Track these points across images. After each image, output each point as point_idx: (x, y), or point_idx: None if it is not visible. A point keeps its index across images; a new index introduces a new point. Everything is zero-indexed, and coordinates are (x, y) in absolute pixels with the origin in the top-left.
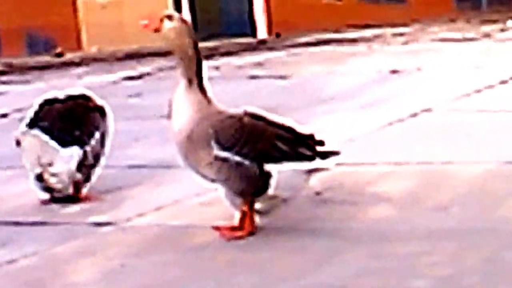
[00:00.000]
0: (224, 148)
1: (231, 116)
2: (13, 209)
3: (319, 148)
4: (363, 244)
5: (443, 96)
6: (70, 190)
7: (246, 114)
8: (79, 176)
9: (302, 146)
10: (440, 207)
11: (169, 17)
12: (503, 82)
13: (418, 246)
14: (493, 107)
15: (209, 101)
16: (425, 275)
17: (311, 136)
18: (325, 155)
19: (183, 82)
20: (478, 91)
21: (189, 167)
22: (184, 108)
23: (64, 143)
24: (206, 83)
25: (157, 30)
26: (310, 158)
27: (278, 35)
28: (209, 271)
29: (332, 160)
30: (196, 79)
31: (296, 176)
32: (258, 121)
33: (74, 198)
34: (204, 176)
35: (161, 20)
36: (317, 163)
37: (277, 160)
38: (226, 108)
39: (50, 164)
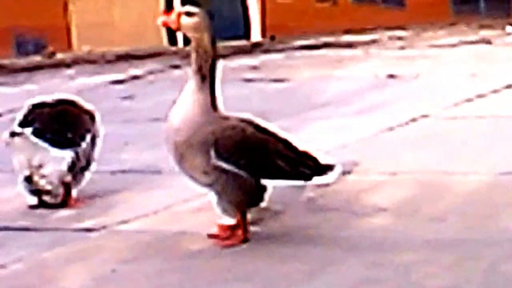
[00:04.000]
0: (222, 158)
1: (234, 126)
2: (2, 214)
3: (317, 166)
4: (359, 253)
5: (441, 103)
6: (60, 191)
7: (250, 124)
8: (69, 178)
9: (302, 165)
10: (437, 217)
11: (188, 13)
12: (503, 88)
13: (414, 257)
14: (491, 115)
15: (215, 105)
16: (422, 286)
17: (310, 155)
18: (321, 171)
19: (194, 79)
20: (477, 97)
21: (182, 170)
22: (189, 107)
23: (57, 145)
24: (218, 82)
25: (175, 27)
26: (308, 178)
27: (272, 38)
28: (202, 278)
29: (329, 177)
30: (209, 77)
31: (290, 190)
32: (260, 134)
33: (64, 203)
34: (196, 181)
35: (179, 16)
36: (314, 181)
37: (274, 176)
38: (230, 115)
39: (40, 166)
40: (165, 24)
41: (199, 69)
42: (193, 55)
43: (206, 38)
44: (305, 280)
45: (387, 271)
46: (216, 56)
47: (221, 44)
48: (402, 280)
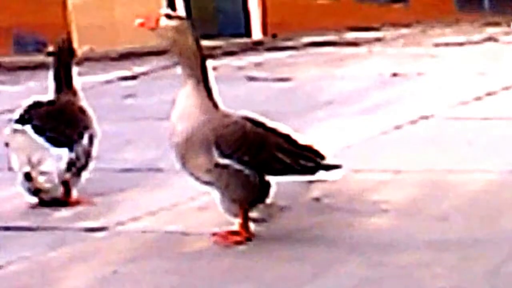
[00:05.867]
0: (224, 155)
1: (234, 122)
2: (2, 214)
3: (320, 161)
4: (362, 253)
5: (445, 102)
6: (59, 191)
7: (249, 120)
8: (68, 176)
9: (304, 159)
10: (441, 217)
11: (168, 16)
12: (507, 87)
13: (418, 257)
14: (497, 114)
15: (214, 104)
16: (425, 287)
17: (311, 148)
18: (326, 168)
19: (190, 82)
20: (481, 97)
21: (185, 170)
22: (188, 108)
23: (56, 143)
24: (212, 82)
25: (153, 29)
26: (311, 171)
27: (274, 36)
28: (205, 278)
29: (333, 173)
30: (202, 78)
31: (295, 186)
32: (261, 129)
33: (65, 202)
34: (200, 180)
35: (158, 18)
36: (318, 176)
37: (277, 171)
38: (230, 112)
39: (39, 163)
40: (142, 26)
41: (191, 72)
42: (181, 59)
43: (190, 40)
44: (308, 280)
45: (390, 271)
46: (204, 57)
47: (222, 42)
48: (406, 280)
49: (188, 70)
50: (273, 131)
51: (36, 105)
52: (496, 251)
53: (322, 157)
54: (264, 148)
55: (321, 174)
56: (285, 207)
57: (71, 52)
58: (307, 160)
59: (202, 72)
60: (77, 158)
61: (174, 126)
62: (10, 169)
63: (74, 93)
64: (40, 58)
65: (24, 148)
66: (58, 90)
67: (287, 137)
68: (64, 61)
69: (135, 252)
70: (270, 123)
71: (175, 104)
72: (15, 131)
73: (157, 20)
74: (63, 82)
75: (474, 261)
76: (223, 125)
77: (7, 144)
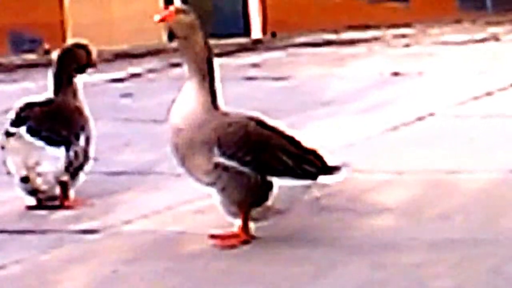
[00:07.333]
0: (226, 155)
1: (236, 122)
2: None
3: (322, 165)
4: (364, 254)
5: (446, 101)
6: (56, 192)
7: (252, 120)
8: (65, 177)
9: (307, 163)
10: (443, 217)
11: (183, 11)
12: (508, 86)
13: (420, 257)
14: (498, 113)
15: (216, 104)
16: (427, 287)
17: (315, 152)
18: (327, 171)
19: (195, 78)
20: (483, 95)
21: (186, 170)
22: (189, 107)
23: (52, 143)
24: (218, 81)
25: (171, 22)
26: (313, 176)
27: (274, 35)
28: (203, 280)
29: (334, 177)
30: (208, 76)
31: (295, 186)
32: (264, 130)
33: (62, 204)
34: (200, 181)
35: (176, 13)
36: (319, 180)
37: (279, 173)
38: (234, 112)
39: (37, 164)
40: (161, 21)
41: (198, 69)
42: (189, 56)
43: (200, 37)
44: (309, 282)
45: (392, 271)
46: (211, 55)
47: (221, 41)
48: (408, 281)
49: (194, 66)
50: (279, 132)
51: (31, 105)
52: (499, 250)
53: (325, 163)
54: (266, 148)
55: (322, 178)
56: (283, 210)
57: (74, 60)
58: (310, 164)
59: (208, 70)
60: (75, 158)
61: (175, 124)
62: (8, 173)
63: (74, 93)
64: (36, 57)
65: (19, 151)
66: (56, 90)
67: (292, 140)
68: (66, 66)
69: (133, 253)
70: (276, 125)
71: (177, 100)
72: (10, 133)
73: (172, 15)
74: (63, 82)
75: (477, 260)
76: (225, 124)
77: (2, 147)
